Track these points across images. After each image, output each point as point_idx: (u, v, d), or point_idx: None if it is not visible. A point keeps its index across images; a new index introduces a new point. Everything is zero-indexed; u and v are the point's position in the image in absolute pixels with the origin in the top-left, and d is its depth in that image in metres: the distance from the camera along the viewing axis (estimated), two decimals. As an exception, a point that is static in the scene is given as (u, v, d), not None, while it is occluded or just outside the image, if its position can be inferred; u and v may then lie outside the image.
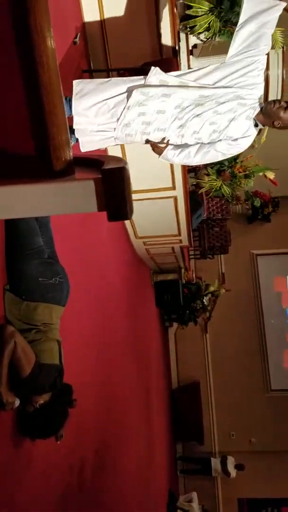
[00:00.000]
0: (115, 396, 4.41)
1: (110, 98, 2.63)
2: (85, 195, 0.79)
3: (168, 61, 3.92)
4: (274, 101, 2.65)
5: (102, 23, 3.89)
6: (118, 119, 2.62)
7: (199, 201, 6.70)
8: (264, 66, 2.62)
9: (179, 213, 5.43)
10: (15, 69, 0.77)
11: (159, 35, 3.91)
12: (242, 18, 2.54)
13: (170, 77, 2.61)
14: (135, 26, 3.89)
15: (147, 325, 7.22)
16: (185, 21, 3.99)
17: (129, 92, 2.58)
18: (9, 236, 2.21)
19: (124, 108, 2.59)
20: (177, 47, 3.97)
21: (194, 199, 6.14)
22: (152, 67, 2.60)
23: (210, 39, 3.95)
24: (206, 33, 3.89)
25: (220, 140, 2.66)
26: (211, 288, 8.31)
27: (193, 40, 4.25)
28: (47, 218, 2.40)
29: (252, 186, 5.31)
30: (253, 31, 2.54)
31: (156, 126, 2.63)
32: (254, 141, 2.89)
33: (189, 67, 4.27)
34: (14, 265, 2.21)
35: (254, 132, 2.68)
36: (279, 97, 4.36)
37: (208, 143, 2.68)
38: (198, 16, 3.80)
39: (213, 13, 3.72)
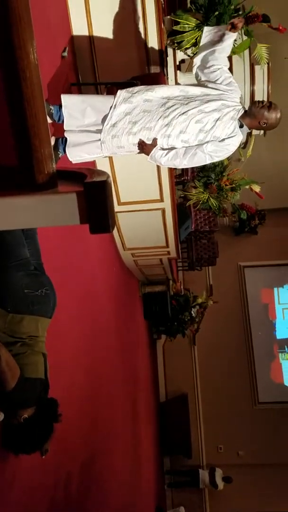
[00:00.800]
0: (101, 410, 4.36)
1: (98, 102, 2.75)
2: (68, 208, 0.79)
3: (156, 75, 3.97)
4: (258, 102, 2.76)
5: (91, 37, 3.94)
6: (104, 119, 2.68)
7: (187, 213, 6.75)
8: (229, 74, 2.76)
9: (167, 225, 5.46)
10: (-2, 83, 0.78)
11: (147, 50, 3.97)
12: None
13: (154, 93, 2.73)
14: (123, 40, 3.95)
15: (135, 337, 7.18)
16: (172, 36, 4.06)
17: (115, 95, 2.70)
18: (-6, 247, 2.20)
19: (110, 107, 2.66)
20: (164, 62, 4.03)
21: (182, 211, 6.19)
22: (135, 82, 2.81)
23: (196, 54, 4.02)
24: (193, 48, 3.96)
25: (207, 142, 2.70)
26: (199, 300, 8.32)
27: (180, 55, 4.33)
28: (34, 229, 2.39)
29: (239, 199, 5.37)
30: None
31: (142, 125, 2.67)
32: (240, 154, 2.95)
33: (176, 82, 4.34)
34: (-1, 276, 2.19)
35: (240, 133, 2.74)
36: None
37: (196, 145, 2.72)
38: (185, 32, 3.87)
39: (200, 29, 3.79)
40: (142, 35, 3.86)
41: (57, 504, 2.86)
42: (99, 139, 2.74)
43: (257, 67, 4.33)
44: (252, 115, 2.71)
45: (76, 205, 0.78)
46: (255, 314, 10.29)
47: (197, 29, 3.83)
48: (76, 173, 0.93)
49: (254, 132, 4.63)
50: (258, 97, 4.45)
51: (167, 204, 5.02)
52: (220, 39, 2.74)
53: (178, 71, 4.38)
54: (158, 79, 3.93)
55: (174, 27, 3.95)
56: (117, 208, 5.02)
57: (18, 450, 2.19)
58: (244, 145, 4.85)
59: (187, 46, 4.00)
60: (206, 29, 2.85)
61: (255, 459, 9.10)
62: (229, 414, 9.39)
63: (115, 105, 2.65)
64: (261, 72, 4.33)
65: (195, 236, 7.70)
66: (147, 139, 2.70)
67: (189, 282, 9.57)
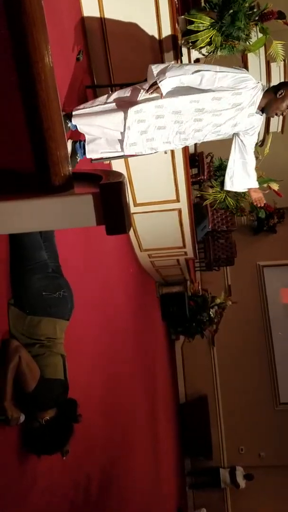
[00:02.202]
0: (121, 411, 4.36)
1: (109, 126, 2.76)
2: (84, 210, 0.79)
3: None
4: (276, 91, 2.68)
5: (105, 39, 3.95)
6: (122, 140, 2.72)
7: (204, 213, 6.71)
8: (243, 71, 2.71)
9: (183, 225, 5.43)
10: (14, 86, 0.78)
11: (161, 50, 3.96)
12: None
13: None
14: (137, 41, 3.95)
15: (153, 338, 7.17)
16: (187, 36, 4.04)
17: (124, 112, 2.67)
18: (13, 250, 2.22)
19: (124, 128, 2.68)
20: (179, 62, 4.02)
21: (198, 211, 6.15)
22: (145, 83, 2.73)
23: (211, 53, 4.00)
24: (208, 47, 3.94)
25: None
26: (218, 301, 8.26)
27: (195, 54, 4.31)
28: (52, 232, 2.41)
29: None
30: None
31: (160, 140, 2.72)
32: (257, 152, 2.94)
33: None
34: (18, 279, 2.21)
35: (259, 120, 2.76)
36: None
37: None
38: (199, 31, 3.85)
39: (215, 28, 3.77)
40: (157, 35, 3.86)
41: (77, 505, 2.88)
42: (122, 154, 2.86)
43: (273, 64, 4.28)
44: (269, 106, 2.70)
45: (92, 206, 0.78)
46: (275, 314, 10.16)
47: (211, 28, 3.81)
48: (92, 175, 0.94)
49: (272, 129, 4.59)
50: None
51: (183, 204, 5.00)
52: None
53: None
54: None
55: (189, 27, 3.93)
56: (133, 209, 5.02)
57: (40, 451, 2.21)
58: (261, 143, 4.80)
59: (202, 45, 3.98)
60: None
61: (277, 461, 8.99)
62: (250, 415, 9.29)
63: (129, 127, 2.67)
64: (277, 69, 4.28)
65: (213, 236, 7.65)
66: (169, 148, 2.85)
67: (207, 282, 9.51)
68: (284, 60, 4.31)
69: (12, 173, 0.88)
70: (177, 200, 4.87)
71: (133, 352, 5.29)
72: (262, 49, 4.19)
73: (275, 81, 4.32)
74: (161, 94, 2.60)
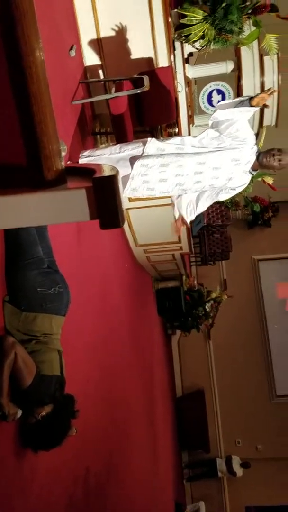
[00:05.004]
0: (118, 406, 4.38)
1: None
2: (77, 204, 0.79)
3: (164, 69, 3.95)
4: (268, 155, 2.81)
5: (98, 33, 3.93)
6: (124, 184, 2.85)
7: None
8: (247, 120, 2.81)
9: (179, 220, 5.43)
10: (5, 80, 0.77)
11: (154, 45, 3.94)
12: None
13: (167, 145, 2.84)
14: (130, 36, 3.93)
15: (149, 333, 7.19)
16: (179, 29, 4.02)
17: (131, 163, 2.83)
18: (9, 245, 2.21)
19: (128, 175, 2.82)
20: (172, 56, 4.00)
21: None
22: (149, 138, 2.89)
23: (205, 47, 3.98)
24: (201, 41, 3.92)
25: (221, 190, 2.94)
26: (213, 295, 8.28)
27: (188, 48, 4.29)
28: (44, 227, 2.40)
29: (251, 192, 5.30)
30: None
31: (160, 190, 2.88)
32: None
33: (185, 75, 4.31)
34: (13, 275, 2.21)
35: (249, 178, 2.94)
36: (275, 102, 4.38)
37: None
38: (192, 25, 3.83)
39: (207, 21, 3.75)
40: (149, 30, 3.84)
41: (75, 500, 2.89)
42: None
43: (266, 58, 4.26)
44: (263, 165, 2.84)
45: (85, 200, 0.77)
46: (270, 307, 10.20)
47: (204, 22, 3.79)
48: (85, 169, 0.93)
49: (266, 123, 4.58)
50: (268, 87, 4.37)
51: (178, 199, 5.00)
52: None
53: (186, 64, 4.34)
54: (166, 74, 3.91)
55: (181, 20, 3.91)
56: (128, 204, 5.01)
57: (37, 447, 2.22)
58: (256, 137, 4.79)
59: (195, 39, 3.96)
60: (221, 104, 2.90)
61: (274, 453, 9.06)
62: (247, 408, 9.35)
63: (132, 177, 2.83)
64: (270, 62, 4.26)
65: (208, 231, 7.65)
66: (167, 195, 3.00)
67: (202, 277, 9.53)
68: (278, 53, 4.29)
69: (3, 168, 0.87)
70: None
71: (130, 346, 5.30)
72: (255, 43, 4.17)
73: (268, 75, 4.31)
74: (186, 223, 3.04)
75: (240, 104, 2.76)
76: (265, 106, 2.76)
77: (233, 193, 2.98)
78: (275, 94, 4.35)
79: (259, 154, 2.83)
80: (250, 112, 2.75)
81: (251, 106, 2.72)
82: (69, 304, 2.43)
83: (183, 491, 9.07)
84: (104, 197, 0.76)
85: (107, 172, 0.78)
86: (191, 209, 3.00)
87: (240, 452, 9.21)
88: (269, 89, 2.82)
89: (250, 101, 2.73)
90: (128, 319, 5.41)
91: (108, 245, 4.75)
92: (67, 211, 0.81)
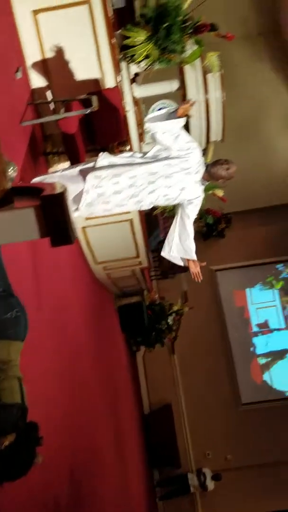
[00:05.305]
0: (84, 430, 4.28)
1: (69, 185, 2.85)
2: (26, 223, 0.78)
3: (111, 90, 4.02)
4: (217, 164, 2.94)
5: (43, 55, 3.95)
6: (78, 201, 2.85)
7: (155, 222, 6.79)
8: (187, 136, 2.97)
9: (136, 235, 5.47)
10: None
11: (100, 65, 4.01)
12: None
13: (118, 158, 2.93)
14: (76, 57, 3.98)
15: (114, 351, 7.11)
16: (124, 50, 4.11)
17: (83, 176, 2.85)
18: None
19: (82, 190, 2.83)
20: (118, 76, 4.08)
21: (149, 220, 6.21)
22: (100, 153, 2.93)
23: (149, 66, 4.09)
24: (146, 61, 4.02)
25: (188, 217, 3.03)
26: (175, 307, 8.34)
27: (134, 68, 4.38)
28: (-2, 250, 2.34)
29: (204, 204, 5.42)
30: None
31: (115, 203, 2.91)
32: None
33: (132, 94, 4.39)
34: None
35: (202, 189, 3.03)
36: (220, 118, 4.54)
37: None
38: (136, 46, 3.92)
39: (151, 42, 3.86)
40: (94, 51, 3.90)
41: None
42: (77, 215, 2.97)
43: (209, 76, 4.42)
44: (212, 175, 2.94)
45: (34, 219, 0.77)
46: (230, 316, 10.40)
47: (148, 42, 3.90)
48: (34, 189, 0.93)
49: (212, 138, 4.74)
50: (212, 106, 4.53)
51: (134, 214, 5.05)
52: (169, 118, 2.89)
53: (133, 84, 4.43)
54: (114, 94, 3.98)
55: (125, 42, 4.00)
56: (84, 222, 5.00)
57: (1, 479, 2.12)
58: (204, 152, 4.94)
59: (139, 59, 4.06)
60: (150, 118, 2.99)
61: (244, 462, 9.12)
62: (215, 419, 9.39)
63: (87, 191, 2.83)
64: (213, 80, 4.42)
65: (165, 244, 7.72)
66: (123, 211, 3.10)
67: (163, 290, 9.58)
68: (220, 71, 4.47)
69: None
70: (128, 210, 4.89)
71: (93, 367, 5.22)
72: (198, 61, 4.32)
73: (212, 92, 4.46)
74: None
75: (169, 116, 2.90)
76: (188, 116, 2.91)
77: (195, 209, 3.05)
78: (220, 111, 4.53)
79: (207, 166, 2.95)
80: (180, 123, 2.89)
81: (178, 117, 2.88)
82: (27, 328, 2.36)
83: (156, 510, 8.92)
84: (53, 214, 0.75)
85: (55, 190, 0.78)
86: (186, 247, 3.08)
87: (210, 463, 9.20)
88: (189, 100, 3.01)
89: (176, 112, 2.89)
90: (90, 339, 5.34)
91: (65, 265, 4.69)
92: (16, 230, 0.80)
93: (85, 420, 4.38)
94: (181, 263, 3.20)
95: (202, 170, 2.94)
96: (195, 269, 3.11)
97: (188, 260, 3.12)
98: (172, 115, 2.90)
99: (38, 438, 2.26)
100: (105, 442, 5.17)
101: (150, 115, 3.01)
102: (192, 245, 3.09)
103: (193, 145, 2.95)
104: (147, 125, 2.95)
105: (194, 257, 3.11)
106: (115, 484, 5.36)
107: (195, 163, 2.91)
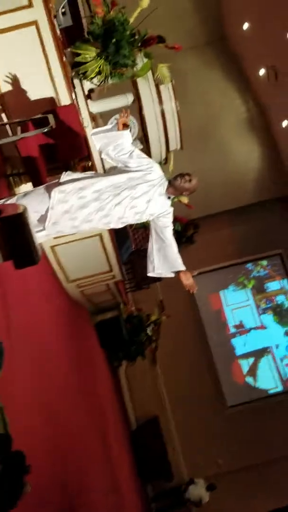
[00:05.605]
0: (71, 453, 4.17)
1: (33, 202, 2.82)
2: (-13, 248, 0.76)
3: (68, 107, 4.02)
4: (179, 177, 3.00)
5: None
6: (42, 219, 2.80)
7: (125, 234, 6.79)
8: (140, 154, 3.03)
9: (107, 249, 5.45)
10: None
11: (53, 84, 4.00)
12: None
13: (82, 174, 2.96)
14: (28, 78, 3.96)
15: (94, 370, 7.01)
16: (76, 67, 4.13)
17: (48, 192, 2.81)
18: None
19: (47, 208, 2.78)
20: (73, 93, 4.09)
21: (119, 233, 6.21)
22: (64, 172, 2.93)
23: (103, 82, 4.12)
24: (98, 77, 4.05)
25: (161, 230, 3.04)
26: (153, 318, 8.33)
27: (88, 84, 4.40)
28: None
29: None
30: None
31: (82, 218, 2.86)
32: (163, 171, 3.10)
33: (88, 111, 4.41)
34: None
35: (169, 203, 3.05)
36: (177, 127, 4.61)
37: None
38: (87, 62, 3.95)
39: (101, 58, 3.90)
40: (46, 70, 3.90)
41: None
42: (44, 235, 2.91)
43: (162, 87, 4.48)
44: (175, 188, 2.99)
45: (-6, 243, 0.75)
46: (207, 320, 10.49)
47: (98, 58, 3.93)
48: (-8, 212, 0.91)
49: (171, 147, 4.80)
50: (168, 116, 4.59)
51: (103, 229, 5.02)
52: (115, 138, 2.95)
53: (88, 100, 4.45)
54: (70, 111, 3.98)
55: (76, 59, 4.02)
56: (53, 241, 4.94)
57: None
58: (165, 161, 4.99)
59: (92, 76, 4.08)
60: (94, 131, 3.05)
61: (235, 464, 9.13)
62: (202, 425, 9.39)
63: (52, 207, 2.79)
64: (166, 90, 4.49)
65: (138, 255, 7.73)
66: (91, 228, 2.95)
67: (140, 301, 9.56)
68: (172, 81, 4.54)
69: None
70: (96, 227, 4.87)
71: (75, 389, 5.12)
72: (150, 73, 4.38)
73: (166, 102, 4.53)
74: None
75: (111, 129, 2.98)
76: (125, 126, 2.98)
77: (168, 219, 3.04)
78: (176, 121, 4.60)
79: (169, 181, 3.01)
80: (124, 136, 2.96)
81: (118, 130, 2.97)
82: (3, 358, 2.31)
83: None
84: (13, 236, 0.74)
85: (14, 211, 0.76)
86: (170, 261, 3.05)
87: (202, 470, 9.14)
88: (123, 110, 3.06)
89: (117, 127, 2.98)
90: (69, 360, 5.24)
91: (36, 288, 4.61)
92: (-23, 256, 0.78)
93: (72, 443, 4.28)
94: (172, 276, 3.15)
95: (165, 184, 2.99)
96: (187, 281, 3.03)
97: (178, 272, 3.07)
98: (113, 128, 2.98)
99: (25, 467, 2.20)
100: (94, 463, 5.06)
101: (93, 130, 3.07)
102: (175, 256, 3.06)
103: (151, 160, 3.03)
104: (94, 141, 3.00)
105: (182, 267, 3.06)
106: (110, 505, 5.25)
107: (158, 176, 2.97)
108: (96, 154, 4.47)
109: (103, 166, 4.51)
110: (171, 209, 3.08)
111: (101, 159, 4.56)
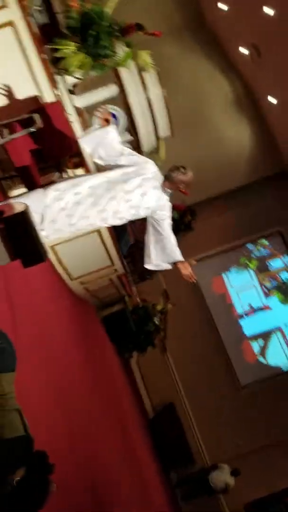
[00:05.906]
0: (93, 448, 4.21)
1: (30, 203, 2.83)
2: (-7, 249, 0.75)
3: (53, 104, 3.98)
4: (172, 171, 3.04)
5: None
6: (41, 220, 2.81)
7: (123, 227, 6.77)
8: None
9: (106, 244, 5.44)
10: None
11: (36, 82, 3.96)
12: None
13: (76, 175, 3.08)
14: (10, 78, 3.92)
15: (106, 364, 7.04)
16: (57, 63, 4.08)
17: (44, 192, 2.85)
18: None
19: (44, 207, 2.80)
20: (56, 90, 4.04)
21: (117, 227, 6.20)
22: (56, 171, 3.11)
23: (85, 75, 4.07)
24: (80, 70, 4.00)
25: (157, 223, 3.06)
26: (158, 307, 8.33)
27: (71, 79, 4.36)
28: None
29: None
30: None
31: (79, 215, 2.87)
32: (156, 159, 3.12)
33: (74, 106, 4.37)
34: None
35: (166, 198, 3.07)
36: (164, 113, 4.57)
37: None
38: (67, 57, 3.90)
39: (81, 51, 3.85)
40: (26, 69, 3.86)
41: None
42: (43, 236, 2.87)
43: (145, 74, 4.44)
44: (171, 181, 3.03)
45: (0, 243, 0.74)
46: (213, 304, 10.51)
47: (78, 51, 3.88)
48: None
49: (161, 134, 4.77)
50: (155, 103, 4.56)
51: (100, 223, 4.99)
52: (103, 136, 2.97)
53: (72, 95, 4.41)
54: (55, 108, 3.94)
55: (55, 54, 3.97)
56: (53, 241, 4.92)
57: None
58: (156, 150, 4.96)
59: (73, 70, 4.04)
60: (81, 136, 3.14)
61: (255, 444, 9.19)
62: (219, 408, 9.44)
63: (48, 205, 2.81)
64: (150, 78, 4.45)
65: (137, 247, 7.72)
66: (89, 225, 2.97)
67: (144, 293, 9.54)
68: (155, 68, 4.50)
69: None
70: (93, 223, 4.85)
71: (90, 385, 5.14)
72: (132, 62, 4.33)
73: (151, 89, 4.49)
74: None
75: (96, 129, 3.04)
76: (107, 121, 3.04)
77: (164, 213, 3.07)
78: (163, 107, 4.57)
79: (165, 175, 3.05)
80: (110, 132, 3.00)
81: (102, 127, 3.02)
82: (15, 358, 2.30)
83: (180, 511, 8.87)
84: (19, 235, 0.73)
85: (16, 209, 0.75)
86: (168, 252, 3.08)
87: (223, 453, 9.20)
88: (96, 109, 3.15)
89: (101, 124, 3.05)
90: (80, 357, 5.26)
91: (40, 288, 4.61)
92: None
93: (93, 439, 4.31)
94: (169, 267, 3.16)
95: (160, 177, 3.03)
96: (186, 271, 3.04)
97: (176, 263, 3.07)
98: (98, 129, 3.04)
99: (49, 466, 2.21)
100: (116, 456, 5.10)
101: (81, 136, 3.10)
102: (173, 248, 3.08)
103: (144, 157, 3.08)
104: (83, 145, 3.06)
105: (181, 258, 3.07)
106: (135, 495, 5.30)
107: (152, 171, 3.00)
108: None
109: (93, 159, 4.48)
110: (169, 203, 3.10)
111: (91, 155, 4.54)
